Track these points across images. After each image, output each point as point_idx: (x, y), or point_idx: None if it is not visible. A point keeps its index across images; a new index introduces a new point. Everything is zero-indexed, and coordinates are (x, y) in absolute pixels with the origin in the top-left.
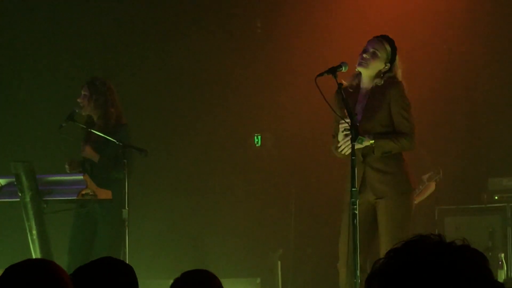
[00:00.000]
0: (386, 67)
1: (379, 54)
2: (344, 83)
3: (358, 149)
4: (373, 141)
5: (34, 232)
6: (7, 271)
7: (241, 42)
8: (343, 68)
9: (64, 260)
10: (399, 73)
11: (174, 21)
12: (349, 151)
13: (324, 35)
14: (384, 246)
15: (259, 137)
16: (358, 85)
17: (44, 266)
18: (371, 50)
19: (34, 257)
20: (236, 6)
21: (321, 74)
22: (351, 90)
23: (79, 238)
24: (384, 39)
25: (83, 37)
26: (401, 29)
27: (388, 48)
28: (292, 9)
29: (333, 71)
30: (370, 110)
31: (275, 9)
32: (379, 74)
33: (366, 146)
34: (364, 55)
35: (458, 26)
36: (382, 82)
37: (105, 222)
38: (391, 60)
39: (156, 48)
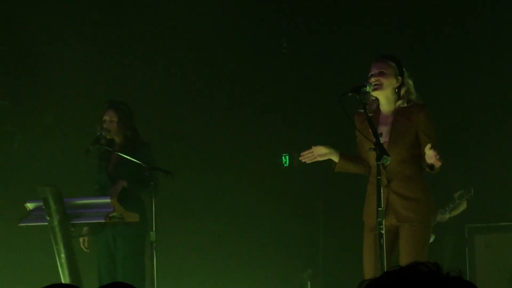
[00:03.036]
0: (398, 81)
1: (385, 71)
2: (361, 111)
3: (382, 172)
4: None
5: (63, 255)
6: None
7: (267, 62)
8: (367, 87)
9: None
10: (411, 84)
11: (199, 40)
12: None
13: (350, 53)
14: None
15: (287, 156)
16: (377, 108)
17: None
18: (378, 71)
19: (63, 280)
20: (262, 26)
21: (345, 94)
22: (370, 114)
23: (105, 262)
24: (384, 57)
25: (106, 60)
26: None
27: (392, 63)
28: (318, 29)
29: (357, 90)
30: (397, 134)
31: (300, 29)
32: (395, 92)
33: (392, 171)
34: (373, 79)
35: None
36: (406, 104)
37: (129, 244)
38: (400, 73)
39: (181, 67)
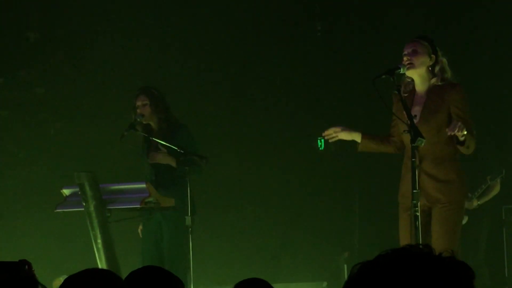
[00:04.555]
0: (432, 59)
1: (418, 50)
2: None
3: (416, 154)
4: (466, 132)
5: (99, 241)
6: (66, 281)
7: (301, 45)
8: (401, 69)
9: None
10: (445, 62)
11: (233, 24)
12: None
13: (384, 36)
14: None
15: (322, 140)
16: (413, 89)
17: (102, 276)
18: (410, 50)
19: (99, 265)
20: (296, 10)
21: (378, 76)
22: (406, 95)
23: (150, 249)
24: (417, 37)
25: (142, 47)
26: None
27: (425, 42)
28: (352, 12)
29: (391, 72)
30: (428, 112)
31: (334, 12)
32: (429, 71)
33: (423, 151)
34: (405, 58)
35: None
36: (440, 83)
37: (171, 229)
38: (433, 52)
39: (216, 52)
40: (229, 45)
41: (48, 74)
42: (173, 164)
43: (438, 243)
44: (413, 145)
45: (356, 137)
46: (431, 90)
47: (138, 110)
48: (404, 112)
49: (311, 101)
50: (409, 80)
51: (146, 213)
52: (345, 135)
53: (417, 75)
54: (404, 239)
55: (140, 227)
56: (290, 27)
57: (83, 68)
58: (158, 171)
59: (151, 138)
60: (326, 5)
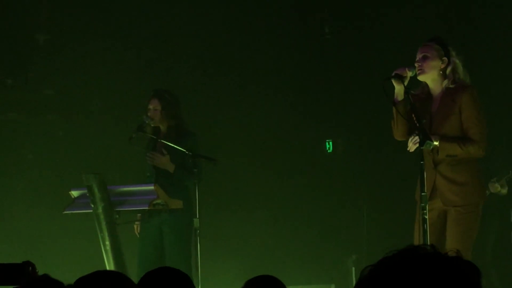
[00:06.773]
0: (444, 62)
1: (429, 55)
2: (414, 92)
3: (429, 155)
4: (437, 142)
5: (107, 243)
6: (77, 283)
7: (309, 48)
8: (411, 72)
9: (134, 273)
10: (458, 63)
11: (241, 27)
12: (414, 147)
13: (393, 38)
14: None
15: (331, 142)
16: (429, 92)
17: (113, 277)
18: (421, 56)
19: (107, 267)
20: (304, 12)
21: (388, 78)
22: (423, 96)
23: (148, 251)
24: (429, 41)
25: (151, 48)
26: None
27: (436, 45)
28: (360, 14)
29: (400, 75)
30: (441, 115)
31: (343, 14)
32: (441, 74)
33: (437, 154)
34: (417, 64)
35: None
36: (452, 85)
37: (174, 231)
38: (446, 54)
39: (225, 54)
40: (237, 48)
41: (57, 76)
42: (171, 170)
43: (452, 245)
44: (421, 148)
45: (401, 93)
46: (444, 93)
47: (149, 114)
48: (413, 115)
49: (319, 103)
50: (423, 82)
51: (146, 216)
52: (400, 80)
53: (430, 80)
54: (419, 240)
55: (136, 226)
56: (298, 30)
57: (92, 70)
58: (167, 173)
59: (158, 140)
60: (335, 7)
